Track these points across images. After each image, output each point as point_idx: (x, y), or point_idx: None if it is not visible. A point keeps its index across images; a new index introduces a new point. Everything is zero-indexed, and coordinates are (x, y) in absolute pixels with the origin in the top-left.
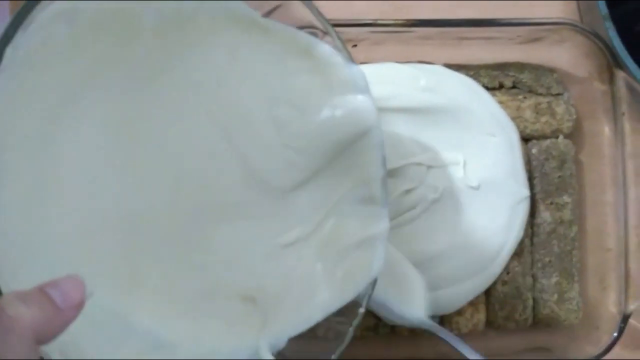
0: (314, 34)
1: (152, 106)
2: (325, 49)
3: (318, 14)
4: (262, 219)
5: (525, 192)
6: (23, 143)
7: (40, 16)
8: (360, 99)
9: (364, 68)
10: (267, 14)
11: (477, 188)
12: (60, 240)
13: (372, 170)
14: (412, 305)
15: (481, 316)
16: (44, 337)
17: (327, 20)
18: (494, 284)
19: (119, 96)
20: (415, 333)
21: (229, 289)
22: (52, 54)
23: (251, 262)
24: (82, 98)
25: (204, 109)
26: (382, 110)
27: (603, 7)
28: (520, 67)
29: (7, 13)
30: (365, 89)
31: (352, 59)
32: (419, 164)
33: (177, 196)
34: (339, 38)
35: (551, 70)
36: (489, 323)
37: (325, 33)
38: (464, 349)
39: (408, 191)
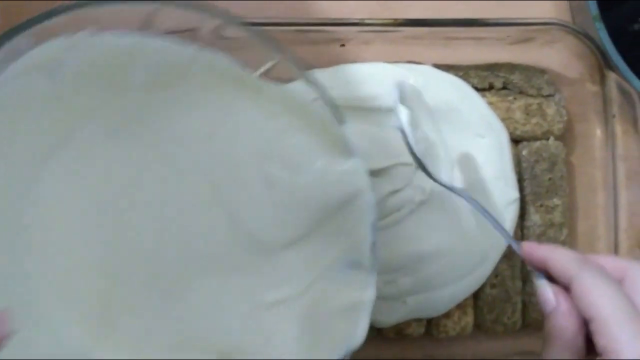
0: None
1: (139, 157)
2: (317, 109)
3: (310, 79)
4: (247, 275)
5: (515, 194)
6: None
7: (14, 66)
8: (351, 163)
9: (352, 67)
10: (263, 73)
11: (465, 189)
12: (36, 282)
13: (362, 234)
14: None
15: (469, 319)
16: None
17: (320, 85)
18: (483, 286)
19: (103, 147)
20: (401, 335)
21: (206, 343)
22: (28, 105)
23: (231, 318)
24: (65, 146)
25: (193, 162)
26: (369, 110)
27: (594, 8)
28: (511, 67)
29: None
30: (356, 151)
31: (343, 120)
32: (406, 164)
33: (160, 246)
34: (331, 100)
35: (542, 71)
36: (477, 326)
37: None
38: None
39: (395, 192)
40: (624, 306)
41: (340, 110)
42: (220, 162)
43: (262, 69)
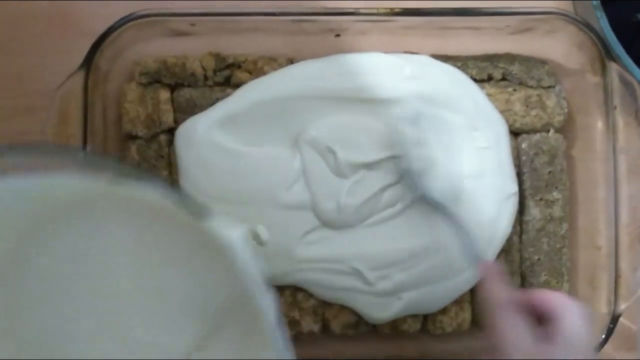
0: None
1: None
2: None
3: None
4: None
5: (514, 187)
6: None
7: None
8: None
9: (348, 57)
10: None
11: (461, 183)
12: None
13: (267, 334)
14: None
15: (466, 315)
16: None
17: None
18: (480, 282)
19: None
20: (397, 331)
21: None
22: None
23: None
24: None
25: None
26: (365, 101)
27: None
28: (510, 58)
29: None
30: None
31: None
32: (399, 158)
33: None
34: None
35: (542, 62)
36: (475, 322)
37: None
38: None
39: (388, 186)
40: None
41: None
42: (115, 292)
43: None
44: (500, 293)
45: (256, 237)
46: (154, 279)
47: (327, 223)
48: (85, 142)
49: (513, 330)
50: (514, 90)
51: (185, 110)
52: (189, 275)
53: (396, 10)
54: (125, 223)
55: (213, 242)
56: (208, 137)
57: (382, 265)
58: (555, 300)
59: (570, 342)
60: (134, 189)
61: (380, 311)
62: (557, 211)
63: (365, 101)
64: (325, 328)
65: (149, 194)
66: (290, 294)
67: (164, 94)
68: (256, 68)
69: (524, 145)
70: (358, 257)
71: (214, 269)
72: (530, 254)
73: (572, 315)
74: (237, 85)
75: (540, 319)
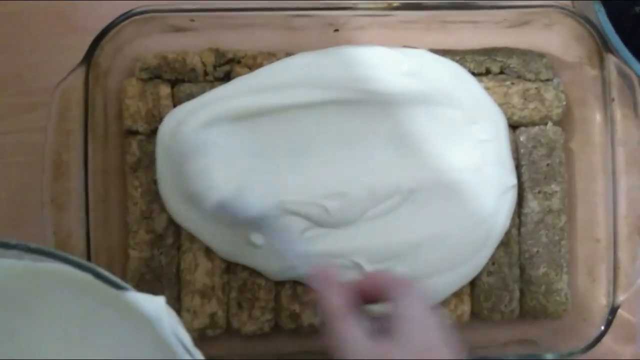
0: None
1: None
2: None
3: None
4: None
5: (513, 180)
6: None
7: None
8: None
9: (347, 49)
10: None
11: (461, 176)
12: None
13: None
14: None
15: (466, 307)
16: None
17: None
18: (479, 274)
19: None
20: None
21: None
22: None
23: None
24: None
25: None
26: (363, 92)
27: None
28: (508, 52)
29: None
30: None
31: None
32: None
33: None
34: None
35: (540, 55)
36: (474, 314)
37: None
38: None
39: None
40: None
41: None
42: None
43: None
44: (333, 300)
45: (251, 244)
46: (86, 352)
47: (321, 225)
48: (85, 138)
49: (349, 335)
50: (512, 83)
51: None
52: (119, 345)
53: (394, 4)
54: (51, 300)
55: (136, 314)
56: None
57: (382, 258)
58: (384, 282)
59: (408, 324)
60: (57, 266)
61: (380, 305)
62: (555, 203)
63: (364, 93)
64: None
65: (71, 270)
66: (290, 287)
67: (165, 90)
68: (255, 63)
69: (522, 138)
70: (358, 251)
71: (142, 339)
72: (529, 247)
73: (404, 296)
74: None
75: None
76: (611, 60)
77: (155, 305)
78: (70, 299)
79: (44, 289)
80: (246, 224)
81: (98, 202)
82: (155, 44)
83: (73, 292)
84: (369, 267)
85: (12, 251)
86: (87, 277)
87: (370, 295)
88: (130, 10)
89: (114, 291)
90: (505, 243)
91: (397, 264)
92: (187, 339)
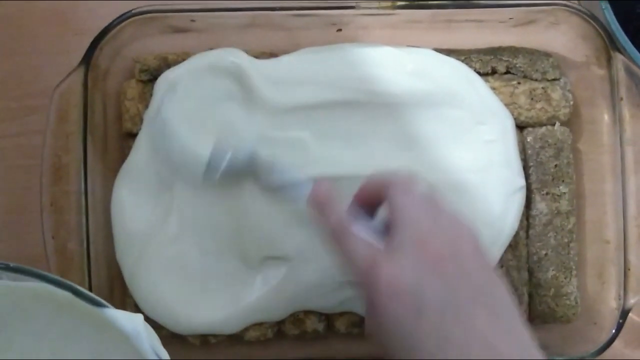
0: None
1: None
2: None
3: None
4: None
5: (521, 181)
6: None
7: None
8: None
9: (352, 47)
10: None
11: (467, 177)
12: None
13: None
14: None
15: None
16: None
17: None
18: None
19: None
20: None
21: None
22: None
23: None
24: None
25: None
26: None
27: None
28: (514, 51)
29: None
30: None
31: None
32: None
33: None
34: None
35: (547, 55)
36: None
37: None
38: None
39: None
40: None
41: None
42: None
43: None
44: (332, 219)
45: None
46: None
47: None
48: (85, 140)
49: (351, 248)
50: (519, 83)
51: None
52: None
53: (398, 3)
54: (30, 319)
55: (114, 330)
56: None
57: None
58: (382, 184)
59: (406, 219)
60: (36, 284)
61: None
62: (564, 205)
63: (366, 93)
64: (330, 327)
65: (50, 287)
66: None
67: None
68: None
69: (529, 139)
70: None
71: (120, 355)
72: (538, 249)
73: (395, 191)
74: None
75: None
76: (619, 59)
77: (133, 322)
78: (49, 317)
79: (24, 308)
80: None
81: (97, 205)
82: (155, 45)
83: (52, 310)
84: None
85: None
86: (66, 294)
87: (372, 202)
88: (129, 11)
89: (92, 308)
90: (513, 246)
91: None
92: (165, 355)
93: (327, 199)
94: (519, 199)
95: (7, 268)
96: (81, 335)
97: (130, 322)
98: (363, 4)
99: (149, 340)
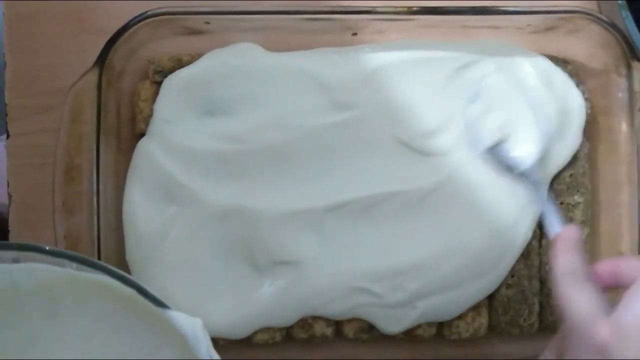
0: None
1: None
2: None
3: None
4: None
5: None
6: None
7: None
8: None
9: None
10: None
11: (481, 185)
12: None
13: None
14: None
15: (483, 320)
16: None
17: None
18: (498, 287)
19: None
20: (410, 336)
21: None
22: None
23: None
24: None
25: None
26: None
27: None
28: None
29: None
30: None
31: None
32: None
33: None
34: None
35: (565, 62)
36: (492, 328)
37: None
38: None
39: None
40: None
41: None
42: None
43: None
44: (566, 264)
45: None
46: None
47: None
48: (98, 140)
49: (573, 302)
50: None
51: None
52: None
53: (414, 8)
54: (85, 310)
55: (173, 331)
56: None
57: (392, 274)
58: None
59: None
60: (100, 277)
61: (395, 324)
62: (578, 215)
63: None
64: (339, 332)
65: (114, 283)
66: None
67: None
68: None
69: None
70: (358, 275)
71: (172, 354)
72: (550, 259)
73: None
74: None
75: None
76: (638, 68)
77: (193, 325)
78: (106, 310)
79: (83, 298)
80: None
81: (109, 205)
82: (169, 46)
83: (111, 304)
84: (374, 287)
85: (57, 259)
86: (130, 291)
87: (607, 280)
88: (144, 12)
89: (154, 308)
90: (525, 255)
91: (409, 279)
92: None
93: (568, 243)
94: (534, 210)
95: (76, 259)
96: (135, 332)
97: (191, 325)
98: (379, 9)
99: (207, 344)
